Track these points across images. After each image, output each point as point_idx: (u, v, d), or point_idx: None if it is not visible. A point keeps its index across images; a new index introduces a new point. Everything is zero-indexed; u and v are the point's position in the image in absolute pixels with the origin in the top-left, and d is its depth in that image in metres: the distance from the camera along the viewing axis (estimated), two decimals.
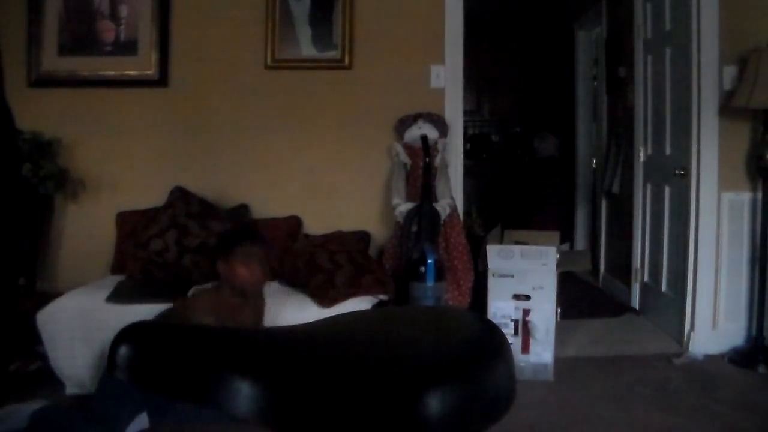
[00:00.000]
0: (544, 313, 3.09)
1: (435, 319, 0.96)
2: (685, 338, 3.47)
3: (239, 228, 2.80)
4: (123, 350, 0.79)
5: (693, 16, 3.37)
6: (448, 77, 3.66)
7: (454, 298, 3.33)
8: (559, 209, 6.21)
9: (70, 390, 2.88)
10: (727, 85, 3.36)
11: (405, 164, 3.47)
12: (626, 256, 4.35)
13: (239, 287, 2.63)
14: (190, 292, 2.94)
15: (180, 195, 3.45)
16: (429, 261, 3.00)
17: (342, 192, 3.71)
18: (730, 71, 3.36)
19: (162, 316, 2.64)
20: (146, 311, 2.81)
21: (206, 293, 2.72)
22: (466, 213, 4.17)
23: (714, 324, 3.45)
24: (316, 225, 3.62)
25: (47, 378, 2.88)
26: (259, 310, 2.74)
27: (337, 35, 3.64)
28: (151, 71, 3.63)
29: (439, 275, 3.04)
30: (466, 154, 3.87)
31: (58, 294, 3.06)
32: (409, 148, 3.46)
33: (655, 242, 3.94)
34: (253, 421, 0.74)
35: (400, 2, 3.68)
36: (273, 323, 2.74)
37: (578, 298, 4.52)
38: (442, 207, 3.27)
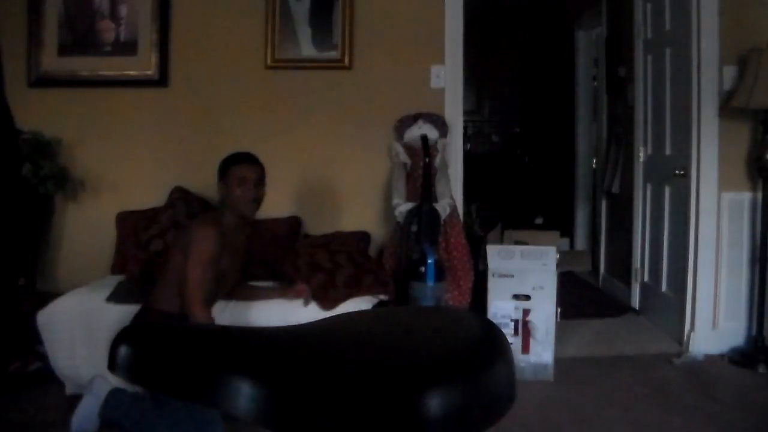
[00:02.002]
0: (544, 313, 3.09)
1: (435, 319, 0.96)
2: (685, 338, 3.47)
3: (236, 153, 2.88)
4: (123, 350, 0.79)
5: (693, 16, 3.37)
6: (448, 77, 3.66)
7: (454, 298, 3.33)
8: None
9: (70, 390, 2.87)
10: (727, 85, 3.36)
11: (405, 164, 3.46)
12: (626, 256, 4.35)
13: (235, 207, 2.65)
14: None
15: (180, 195, 3.45)
16: (429, 261, 3.00)
17: (342, 192, 3.71)
18: (730, 71, 3.36)
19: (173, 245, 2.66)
20: None
21: (207, 218, 2.71)
22: (466, 213, 4.17)
23: (714, 324, 3.45)
24: (316, 225, 3.62)
25: (47, 378, 2.88)
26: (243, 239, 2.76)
27: (337, 35, 3.64)
28: (151, 71, 3.63)
29: (439, 275, 3.04)
30: (466, 154, 3.86)
31: (58, 294, 3.05)
32: (409, 148, 3.46)
33: (655, 242, 3.94)
34: (252, 421, 0.74)
35: (400, 2, 3.68)
36: (272, 323, 2.74)
37: (578, 298, 4.52)
38: (442, 207, 3.27)
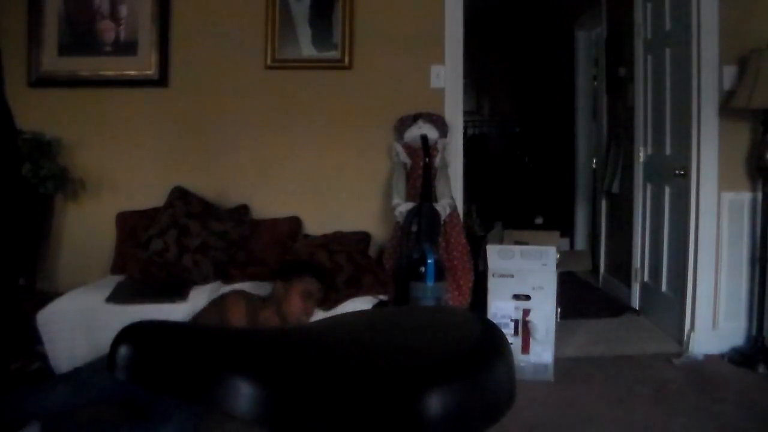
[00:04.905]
0: (544, 313, 3.09)
1: (435, 319, 0.96)
2: (685, 338, 3.47)
3: (309, 264, 2.99)
4: (123, 350, 0.79)
5: (693, 16, 3.37)
6: (448, 77, 3.66)
7: (454, 298, 3.33)
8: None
9: None
10: (727, 85, 3.35)
11: (405, 164, 3.47)
12: (626, 256, 4.35)
13: (286, 314, 2.70)
14: (222, 290, 2.95)
15: (180, 195, 3.45)
16: (429, 261, 3.00)
17: (342, 192, 3.71)
18: (730, 71, 3.35)
19: (196, 315, 2.71)
20: (146, 311, 2.82)
21: (247, 300, 2.71)
22: (466, 213, 4.18)
23: (714, 324, 3.45)
24: (316, 225, 3.62)
25: (47, 378, 2.88)
26: None
27: (337, 35, 3.64)
28: (151, 71, 3.63)
29: (439, 275, 3.04)
30: (466, 154, 3.86)
31: (58, 294, 3.06)
32: (409, 148, 3.46)
33: (655, 242, 3.94)
34: (252, 421, 0.74)
35: (400, 2, 3.68)
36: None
37: (578, 298, 4.52)
38: (442, 207, 3.27)
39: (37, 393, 2.42)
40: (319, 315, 2.80)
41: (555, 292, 3.10)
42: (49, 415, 2.37)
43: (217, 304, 2.67)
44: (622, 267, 4.52)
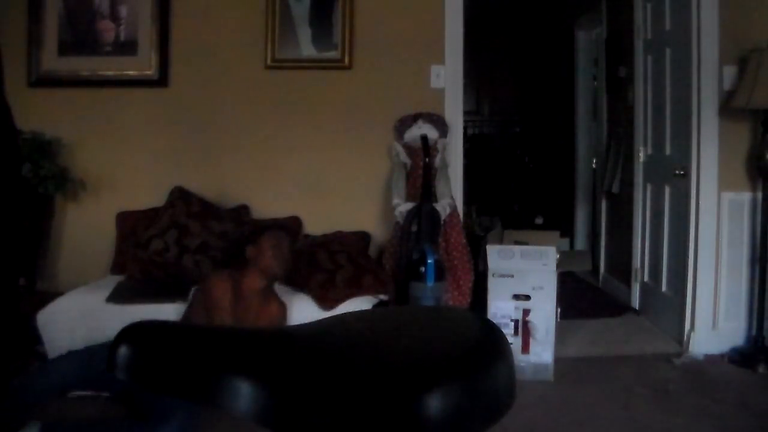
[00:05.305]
0: (544, 313, 3.09)
1: (435, 319, 0.96)
2: (685, 338, 3.47)
3: (268, 223, 3.11)
4: (123, 350, 0.79)
5: (693, 16, 3.37)
6: (448, 77, 3.66)
7: (454, 298, 3.33)
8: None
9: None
10: (727, 85, 3.35)
11: (405, 164, 3.47)
12: (626, 256, 4.35)
13: (266, 270, 2.72)
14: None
15: (180, 195, 3.45)
16: (429, 261, 3.00)
17: (342, 192, 3.71)
18: (730, 71, 3.35)
19: (188, 308, 2.76)
20: (146, 311, 2.82)
21: (229, 274, 2.73)
22: (466, 213, 4.17)
23: (714, 324, 3.45)
24: (316, 225, 3.62)
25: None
26: (281, 312, 2.78)
27: (337, 35, 3.64)
28: (151, 71, 3.63)
29: (439, 275, 3.04)
30: (466, 154, 3.86)
31: (58, 294, 3.06)
32: (409, 148, 3.46)
33: (655, 242, 3.94)
34: (253, 421, 0.74)
35: (400, 2, 3.68)
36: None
37: (578, 298, 4.52)
38: (442, 207, 3.27)
39: (47, 368, 2.45)
40: (319, 315, 2.80)
41: (555, 292, 3.10)
42: (59, 390, 2.40)
43: (202, 288, 2.68)
44: (622, 267, 4.52)
